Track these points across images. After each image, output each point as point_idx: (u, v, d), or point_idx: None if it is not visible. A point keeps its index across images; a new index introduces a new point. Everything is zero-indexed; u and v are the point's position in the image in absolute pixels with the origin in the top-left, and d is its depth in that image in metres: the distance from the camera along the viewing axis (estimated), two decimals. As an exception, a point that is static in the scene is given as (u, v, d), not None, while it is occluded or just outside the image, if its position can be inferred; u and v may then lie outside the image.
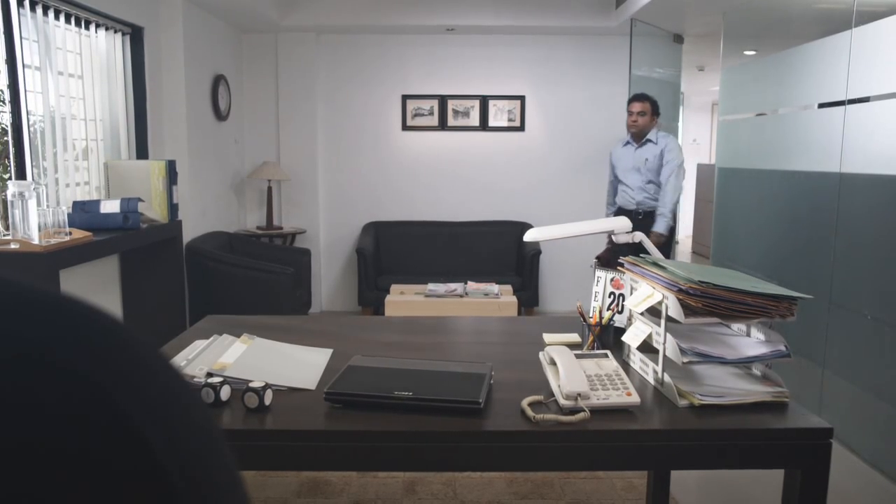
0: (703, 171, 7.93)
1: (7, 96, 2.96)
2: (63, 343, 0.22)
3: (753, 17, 4.14)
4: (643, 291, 1.50)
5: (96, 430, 0.21)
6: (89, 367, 0.22)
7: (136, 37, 3.95)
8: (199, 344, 1.65)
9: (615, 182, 4.48)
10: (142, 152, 4.02)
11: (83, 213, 3.13)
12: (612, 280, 1.83)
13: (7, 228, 2.79)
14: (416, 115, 5.55)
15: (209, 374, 1.43)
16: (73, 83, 3.45)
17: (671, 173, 4.15)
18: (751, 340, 1.45)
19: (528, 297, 5.02)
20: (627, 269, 1.65)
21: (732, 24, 4.29)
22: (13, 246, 2.49)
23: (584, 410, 1.26)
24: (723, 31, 4.34)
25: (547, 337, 1.80)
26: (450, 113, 5.53)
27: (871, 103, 2.68)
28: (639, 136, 4.25)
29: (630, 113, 4.22)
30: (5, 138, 2.97)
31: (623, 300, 1.79)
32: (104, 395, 0.21)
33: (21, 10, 2.98)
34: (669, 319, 1.38)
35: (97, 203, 3.19)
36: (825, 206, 2.93)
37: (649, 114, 4.19)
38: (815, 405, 2.87)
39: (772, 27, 4.09)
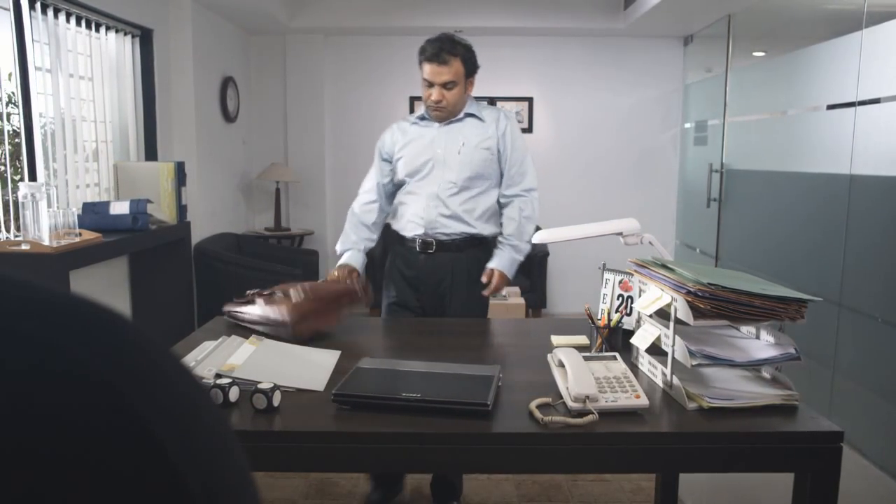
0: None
1: (18, 98, 2.98)
2: (77, 345, 0.22)
3: (762, 18, 4.12)
4: (652, 294, 1.50)
5: (110, 432, 0.21)
6: (103, 369, 0.22)
7: (145, 39, 3.97)
8: (208, 345, 1.65)
9: None
10: (151, 154, 4.04)
11: (93, 214, 3.14)
12: (620, 282, 1.83)
13: (18, 230, 2.81)
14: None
15: (218, 376, 1.44)
16: (84, 85, 3.47)
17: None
18: (760, 343, 1.44)
19: (536, 298, 5.01)
20: (636, 272, 1.64)
21: (741, 25, 4.28)
22: (24, 247, 2.51)
23: (592, 413, 1.26)
24: (731, 33, 4.33)
25: (555, 339, 1.79)
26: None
27: (881, 105, 2.67)
28: None
29: None
30: (16, 140, 2.99)
31: (632, 302, 1.79)
32: (118, 397, 0.22)
33: (32, 12, 3.00)
34: (678, 322, 1.38)
35: (107, 204, 3.21)
36: (835, 208, 2.91)
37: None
38: (825, 408, 2.85)
39: (781, 28, 4.08)
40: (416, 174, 2.39)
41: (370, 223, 2.51)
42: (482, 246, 2.38)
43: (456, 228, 2.35)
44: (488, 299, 2.40)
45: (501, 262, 2.32)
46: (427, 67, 2.30)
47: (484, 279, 2.31)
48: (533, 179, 2.40)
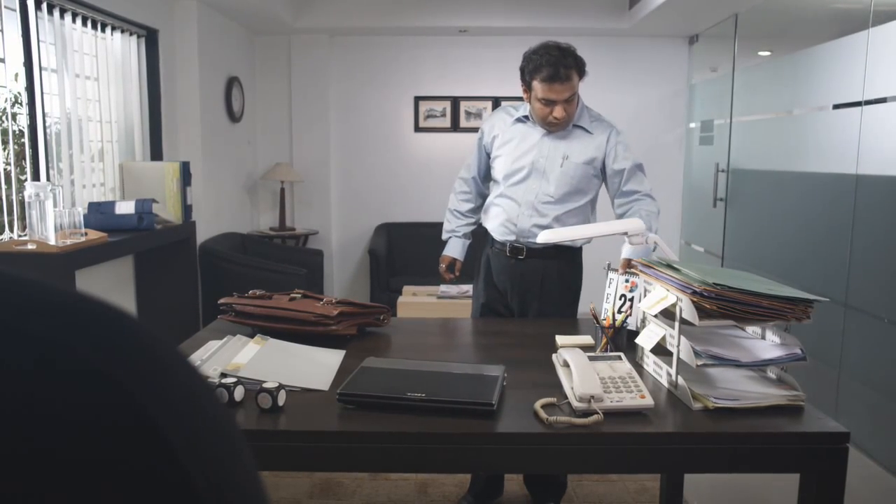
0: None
1: (25, 98, 2.99)
2: (84, 343, 0.22)
3: (768, 17, 4.11)
4: (657, 294, 1.50)
5: (118, 430, 0.21)
6: (111, 368, 0.22)
7: (150, 39, 3.98)
8: (213, 344, 1.66)
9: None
10: (156, 154, 4.05)
11: (98, 214, 3.15)
12: (625, 282, 1.83)
13: (24, 229, 2.82)
14: (428, 117, 5.55)
15: (223, 375, 1.44)
16: (89, 85, 3.49)
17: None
18: (766, 343, 1.44)
19: (541, 298, 5.00)
20: (641, 271, 1.64)
21: (747, 24, 4.27)
22: (30, 246, 2.52)
23: (597, 413, 1.26)
24: (737, 32, 4.32)
25: (560, 339, 1.79)
26: (462, 114, 5.53)
27: (888, 104, 2.66)
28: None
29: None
30: (23, 140, 3.00)
31: (636, 302, 1.79)
32: (127, 396, 0.22)
33: (39, 13, 3.01)
34: (683, 322, 1.37)
35: (112, 204, 3.22)
36: (841, 208, 2.90)
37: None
38: (831, 409, 2.84)
39: (787, 28, 4.07)
40: (511, 178, 2.32)
41: (465, 211, 2.54)
42: (572, 253, 2.32)
43: (549, 239, 2.21)
44: (572, 307, 2.35)
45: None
46: (546, 87, 2.17)
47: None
48: (647, 187, 2.32)
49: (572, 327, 2.00)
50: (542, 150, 2.29)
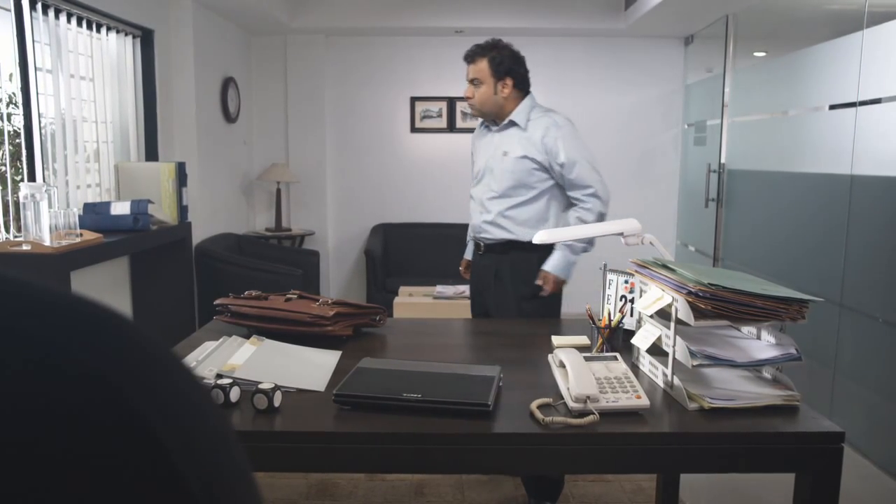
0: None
1: (19, 99, 2.98)
2: (78, 345, 0.22)
3: (763, 18, 4.12)
4: (653, 294, 1.50)
5: (112, 433, 0.21)
6: (105, 369, 0.22)
7: (146, 39, 3.97)
8: (209, 345, 1.65)
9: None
10: (152, 154, 4.04)
11: (94, 214, 3.15)
12: (625, 283, 1.83)
13: (19, 230, 2.81)
14: (424, 117, 5.55)
15: (219, 376, 1.44)
16: (85, 86, 3.48)
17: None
18: (761, 343, 1.44)
19: (537, 299, 5.01)
20: (637, 272, 1.64)
21: (742, 25, 4.28)
22: (25, 247, 2.51)
23: (593, 413, 1.26)
24: (732, 33, 4.33)
25: (556, 339, 1.79)
26: (458, 115, 5.53)
27: (882, 105, 2.66)
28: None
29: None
30: (17, 140, 2.99)
31: (633, 303, 1.79)
32: (120, 398, 0.22)
33: (34, 13, 3.00)
34: (679, 322, 1.38)
35: (108, 205, 3.21)
36: (836, 209, 2.91)
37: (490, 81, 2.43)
38: (826, 409, 2.85)
39: (782, 28, 4.08)
40: (475, 179, 2.55)
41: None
42: (531, 249, 2.30)
43: (496, 234, 2.44)
44: (531, 302, 2.43)
45: (553, 263, 2.37)
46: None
47: (538, 282, 2.39)
48: (590, 181, 2.37)
49: (569, 328, 2.00)
50: (489, 149, 2.49)
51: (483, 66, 2.41)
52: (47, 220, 2.57)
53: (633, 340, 1.57)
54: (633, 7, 4.78)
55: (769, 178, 3.75)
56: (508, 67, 2.42)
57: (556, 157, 2.36)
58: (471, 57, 2.44)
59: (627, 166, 5.52)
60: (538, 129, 2.39)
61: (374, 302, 5.20)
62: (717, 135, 4.42)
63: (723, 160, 4.35)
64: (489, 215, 2.42)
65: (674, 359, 1.39)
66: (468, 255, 2.67)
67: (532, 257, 2.39)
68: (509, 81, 2.42)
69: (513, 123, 2.43)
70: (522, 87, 2.47)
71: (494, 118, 2.48)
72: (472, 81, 2.44)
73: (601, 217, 2.37)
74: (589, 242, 2.36)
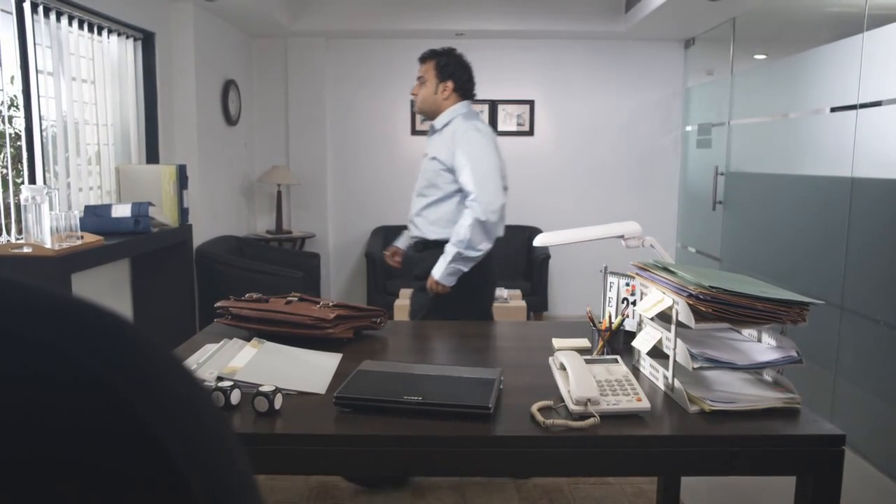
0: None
1: (20, 102, 2.99)
2: (79, 348, 0.22)
3: (764, 21, 4.13)
4: (653, 296, 1.50)
5: (112, 434, 0.21)
6: (105, 372, 0.22)
7: (147, 42, 3.98)
8: (210, 348, 1.65)
9: None
10: (152, 157, 4.04)
11: (95, 217, 3.15)
12: (626, 286, 1.83)
13: (20, 232, 2.82)
14: (424, 120, 5.54)
15: (219, 378, 1.44)
16: (86, 88, 3.48)
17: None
18: (762, 346, 1.44)
19: (538, 301, 5.01)
20: (637, 274, 1.64)
21: (742, 28, 4.28)
22: (26, 250, 2.51)
23: (593, 416, 1.26)
24: (733, 36, 4.33)
25: (556, 342, 1.79)
26: (459, 117, 5.52)
27: (883, 107, 2.67)
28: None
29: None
30: (18, 143, 3.00)
31: (634, 305, 1.79)
32: (122, 402, 0.22)
33: (35, 16, 3.01)
34: (680, 325, 1.38)
35: (108, 207, 3.22)
36: (837, 211, 2.91)
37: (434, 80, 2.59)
38: (827, 411, 2.85)
39: (782, 31, 4.08)
40: None
41: None
42: (440, 247, 2.52)
43: (415, 232, 2.63)
44: (437, 300, 2.53)
45: (435, 268, 2.51)
46: None
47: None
48: (472, 187, 2.44)
49: (569, 330, 2.00)
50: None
51: (430, 66, 2.60)
52: (48, 222, 2.58)
53: (634, 343, 1.57)
54: (634, 10, 4.79)
55: (770, 181, 3.75)
56: (451, 72, 2.58)
57: (453, 161, 2.49)
58: (423, 58, 2.64)
59: (627, 169, 5.52)
60: (449, 133, 2.54)
61: (375, 304, 5.22)
62: (724, 137, 4.42)
63: (730, 163, 4.35)
64: (411, 213, 2.64)
65: (674, 361, 1.39)
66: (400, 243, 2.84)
67: (437, 255, 2.52)
68: (450, 84, 2.58)
69: (435, 129, 2.63)
70: (462, 93, 2.61)
71: (431, 117, 2.66)
72: (418, 79, 2.63)
73: (482, 224, 2.42)
74: (469, 248, 2.43)
